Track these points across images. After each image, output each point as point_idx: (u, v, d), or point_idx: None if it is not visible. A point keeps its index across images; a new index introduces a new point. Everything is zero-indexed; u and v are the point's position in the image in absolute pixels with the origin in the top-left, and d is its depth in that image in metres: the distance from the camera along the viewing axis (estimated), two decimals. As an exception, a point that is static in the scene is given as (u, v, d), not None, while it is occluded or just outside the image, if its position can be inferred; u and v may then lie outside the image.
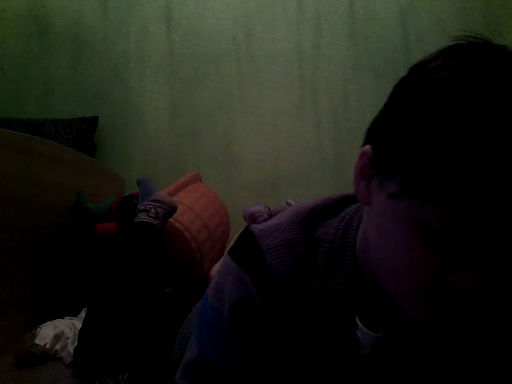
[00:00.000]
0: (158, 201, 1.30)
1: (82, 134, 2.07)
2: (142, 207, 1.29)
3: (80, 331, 1.13)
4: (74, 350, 1.13)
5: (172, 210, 1.34)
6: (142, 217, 1.25)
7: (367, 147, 0.44)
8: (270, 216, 0.56)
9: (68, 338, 1.25)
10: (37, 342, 1.21)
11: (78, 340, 1.13)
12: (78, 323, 1.33)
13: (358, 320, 0.50)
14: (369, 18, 2.09)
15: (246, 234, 0.53)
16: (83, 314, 1.40)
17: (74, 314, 1.41)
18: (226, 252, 1.55)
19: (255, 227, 0.53)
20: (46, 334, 1.24)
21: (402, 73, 0.43)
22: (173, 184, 1.73)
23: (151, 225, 1.24)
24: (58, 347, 1.22)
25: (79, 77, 2.28)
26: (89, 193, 1.72)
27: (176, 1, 2.24)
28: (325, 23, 2.13)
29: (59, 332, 1.25)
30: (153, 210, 1.26)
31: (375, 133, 0.43)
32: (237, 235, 1.47)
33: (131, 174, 2.19)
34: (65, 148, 1.73)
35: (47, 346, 1.21)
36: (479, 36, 0.39)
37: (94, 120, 2.17)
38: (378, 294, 0.48)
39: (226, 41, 2.20)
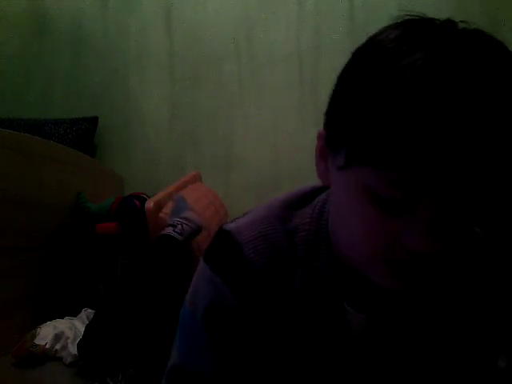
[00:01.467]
0: (186, 218, 1.36)
1: (82, 133, 2.07)
2: (171, 222, 1.36)
3: (87, 326, 1.14)
4: (78, 343, 1.14)
5: (198, 229, 1.39)
6: (168, 230, 1.31)
7: (322, 129, 0.47)
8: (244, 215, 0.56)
9: (68, 338, 1.25)
10: (37, 342, 1.21)
11: (83, 333, 1.14)
12: (78, 323, 1.33)
13: (346, 304, 0.49)
14: (369, 17, 2.09)
15: (221, 233, 0.53)
16: (83, 313, 1.40)
17: (74, 314, 1.41)
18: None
19: (230, 225, 0.53)
20: (45, 334, 1.24)
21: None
22: (173, 184, 1.73)
23: (174, 239, 1.29)
24: (57, 347, 1.22)
25: (79, 77, 2.28)
26: (89, 193, 1.72)
27: (176, 1, 2.24)
28: (325, 23, 2.13)
29: (59, 332, 1.25)
30: (179, 226, 1.32)
31: (327, 112, 0.46)
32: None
33: (131, 174, 2.19)
34: (65, 148, 1.73)
35: (47, 346, 1.21)
36: (415, 12, 0.41)
37: (94, 120, 2.17)
38: (357, 275, 0.48)
39: (226, 41, 2.20)
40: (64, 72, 2.29)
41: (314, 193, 0.55)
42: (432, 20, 0.39)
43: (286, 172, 2.14)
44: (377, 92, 0.36)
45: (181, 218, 1.35)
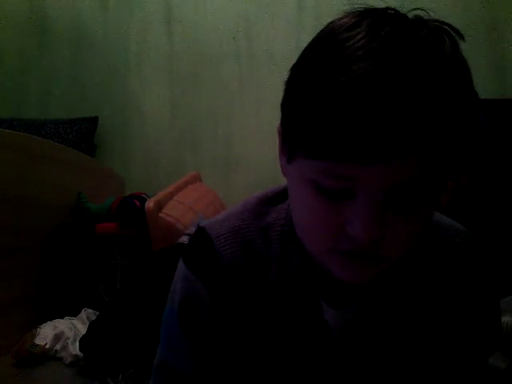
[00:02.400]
0: None
1: (82, 133, 2.07)
2: (187, 231, 1.41)
3: (92, 322, 1.15)
4: (81, 339, 1.15)
5: None
6: (183, 239, 1.36)
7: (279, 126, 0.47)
8: None
9: (68, 338, 1.25)
10: (37, 342, 1.21)
11: (87, 329, 1.15)
12: (78, 323, 1.34)
13: (321, 301, 0.49)
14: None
15: (197, 229, 0.53)
16: (83, 313, 1.40)
17: (74, 314, 1.41)
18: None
19: (206, 222, 0.53)
20: (45, 334, 1.24)
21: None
22: (173, 184, 1.73)
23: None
24: (58, 347, 1.22)
25: (79, 77, 2.28)
26: (89, 193, 1.72)
27: (176, 1, 2.24)
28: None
29: (59, 332, 1.26)
30: None
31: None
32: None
33: (131, 174, 2.19)
34: (65, 148, 1.73)
35: (47, 346, 1.21)
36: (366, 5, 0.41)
37: (94, 120, 2.17)
38: (326, 269, 0.47)
39: (226, 41, 2.20)
40: (64, 72, 2.29)
41: None
42: (374, 9, 0.39)
43: (286, 172, 2.14)
44: (308, 83, 0.37)
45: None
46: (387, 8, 0.39)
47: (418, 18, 0.39)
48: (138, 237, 1.54)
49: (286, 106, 0.42)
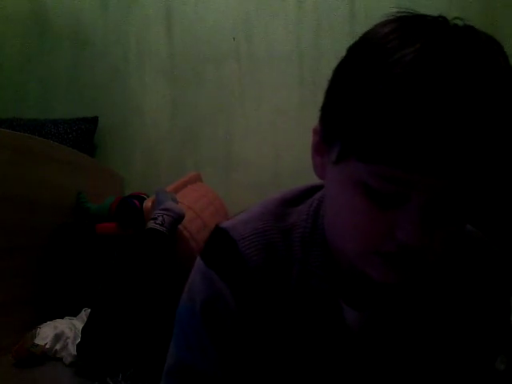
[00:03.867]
0: (165, 209, 1.39)
1: (82, 133, 2.07)
2: (152, 216, 1.38)
3: (83, 328, 1.14)
4: (77, 346, 1.14)
5: (179, 217, 1.40)
6: (150, 225, 1.33)
7: (317, 125, 0.47)
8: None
9: (68, 338, 1.25)
10: (37, 342, 1.21)
11: (81, 336, 1.14)
12: (78, 323, 1.34)
13: (341, 302, 0.50)
14: (369, 18, 2.08)
15: (217, 230, 0.53)
16: (83, 313, 1.40)
17: (74, 314, 1.41)
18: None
19: (226, 223, 0.53)
20: (45, 334, 1.24)
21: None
22: (173, 184, 1.73)
23: (157, 231, 1.31)
24: (58, 347, 1.22)
25: (79, 77, 2.28)
26: (89, 193, 1.72)
27: (176, 1, 2.24)
28: (325, 23, 2.13)
29: (59, 332, 1.26)
30: (160, 218, 1.34)
31: (322, 108, 0.46)
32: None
33: (131, 174, 2.19)
34: (65, 148, 1.73)
35: (47, 346, 1.21)
36: (407, 9, 0.42)
37: (94, 120, 2.17)
38: (352, 271, 0.48)
39: (226, 41, 2.20)
40: (64, 72, 2.29)
41: (311, 190, 0.56)
42: (424, 16, 0.40)
43: (286, 171, 2.14)
44: (368, 87, 0.36)
45: (160, 210, 1.38)
46: (439, 16, 0.39)
47: (468, 27, 0.38)
48: (137, 237, 1.54)
49: (334, 108, 0.41)
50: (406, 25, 0.38)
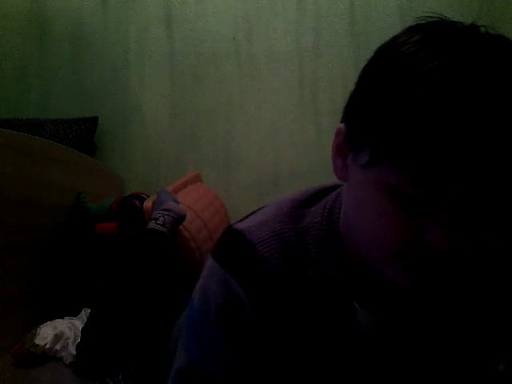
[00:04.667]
0: (166, 209, 1.38)
1: (82, 133, 2.07)
2: (153, 216, 1.37)
3: (83, 328, 1.14)
4: (77, 346, 1.14)
5: (180, 217, 1.39)
6: (151, 225, 1.32)
7: (342, 125, 0.47)
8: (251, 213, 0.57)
9: (68, 338, 1.25)
10: (37, 342, 1.21)
11: (81, 336, 1.14)
12: (78, 323, 1.33)
13: (355, 304, 0.50)
14: (369, 18, 2.08)
15: (232, 232, 0.52)
16: (83, 313, 1.40)
17: (74, 314, 1.41)
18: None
19: (240, 225, 0.53)
20: (46, 333, 1.24)
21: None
22: (173, 184, 1.73)
23: (158, 231, 1.30)
24: (58, 347, 1.22)
25: (79, 77, 2.28)
26: (89, 193, 1.72)
27: (176, 1, 2.24)
28: (325, 23, 2.13)
29: (59, 332, 1.25)
30: (161, 218, 1.33)
31: (348, 110, 0.46)
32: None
33: (131, 174, 2.19)
34: (65, 148, 1.73)
35: (47, 346, 1.21)
36: (437, 14, 0.41)
37: (94, 120, 2.17)
38: (368, 274, 0.48)
39: (226, 41, 2.20)
40: (64, 72, 2.29)
41: (324, 191, 0.56)
42: (454, 24, 0.40)
43: (286, 172, 2.14)
44: (401, 96, 0.37)
45: (161, 210, 1.37)
46: (470, 25, 0.39)
47: (499, 38, 0.39)
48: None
49: (364, 111, 0.41)
50: (434, 34, 0.39)
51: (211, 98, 2.20)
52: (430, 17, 0.41)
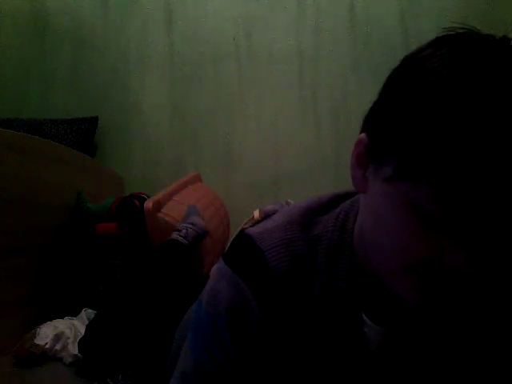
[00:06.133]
0: (191, 223, 1.43)
1: (82, 134, 2.07)
2: (177, 227, 1.42)
3: (88, 324, 1.16)
4: (79, 341, 1.15)
5: (203, 233, 1.45)
6: (174, 235, 1.37)
7: (363, 135, 0.46)
8: (264, 218, 0.56)
9: (68, 338, 1.25)
10: (37, 342, 1.21)
11: (85, 331, 1.15)
12: (78, 323, 1.34)
13: (364, 316, 0.49)
14: (369, 17, 2.08)
15: (243, 237, 0.53)
16: (83, 313, 1.40)
17: (74, 314, 1.41)
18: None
19: (252, 230, 0.53)
20: (45, 334, 1.24)
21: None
22: (173, 184, 1.73)
23: (179, 242, 1.35)
24: (58, 347, 1.22)
25: (79, 77, 2.28)
26: (89, 193, 1.72)
27: (176, 1, 2.24)
28: (325, 23, 2.13)
29: (59, 332, 1.25)
30: (184, 231, 1.39)
31: (370, 121, 0.45)
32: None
33: (131, 174, 2.19)
34: (65, 148, 1.73)
35: (47, 346, 1.21)
36: (467, 26, 0.41)
37: (94, 120, 2.17)
38: (379, 287, 0.48)
39: (226, 41, 2.20)
40: (64, 72, 2.29)
41: (336, 200, 0.55)
42: (484, 38, 0.39)
43: (286, 172, 2.14)
44: (428, 114, 0.36)
45: (186, 223, 1.43)
46: (502, 38, 0.39)
47: None
48: (137, 237, 1.54)
49: (390, 124, 0.40)
50: (460, 49, 0.38)
51: (211, 98, 2.20)
52: (459, 27, 0.41)
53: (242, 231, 0.54)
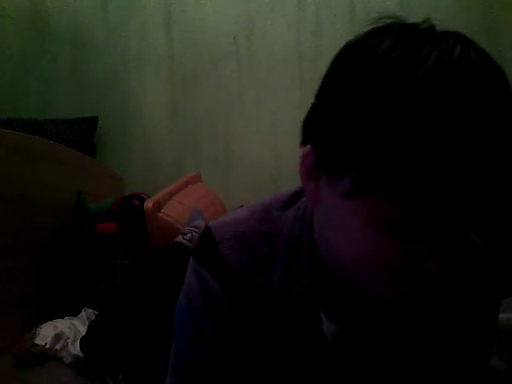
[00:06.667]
0: (196, 226, 1.45)
1: (82, 133, 2.07)
2: (182, 231, 1.44)
3: (91, 323, 1.16)
4: (81, 339, 1.15)
5: None
6: (178, 239, 1.39)
7: (308, 148, 0.45)
8: None
9: (68, 338, 1.25)
10: (37, 342, 1.21)
11: (87, 329, 1.16)
12: (78, 323, 1.34)
13: (322, 313, 0.49)
14: (369, 18, 2.08)
15: (205, 228, 0.54)
16: (83, 313, 1.40)
17: (74, 314, 1.41)
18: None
19: (212, 222, 0.54)
20: (46, 334, 1.24)
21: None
22: (173, 184, 1.73)
23: (183, 245, 1.37)
24: (58, 347, 1.22)
25: (79, 77, 2.28)
26: (89, 193, 1.72)
27: (176, 1, 2.24)
28: (325, 23, 2.13)
29: (59, 332, 1.25)
30: (189, 234, 1.40)
31: (315, 129, 0.43)
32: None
33: (131, 174, 2.19)
34: (65, 148, 1.73)
35: (47, 346, 1.21)
36: (388, 13, 0.41)
37: (94, 120, 2.17)
38: (339, 280, 0.48)
39: (226, 41, 2.20)
40: (64, 72, 2.29)
41: (297, 195, 0.55)
42: (414, 26, 0.39)
43: (286, 172, 2.13)
44: (389, 124, 0.34)
45: (191, 227, 1.44)
46: (428, 25, 0.39)
47: (458, 36, 0.37)
48: (137, 237, 1.54)
49: (342, 135, 0.37)
50: (404, 39, 0.37)
51: (211, 98, 2.20)
52: (384, 17, 0.41)
53: (206, 223, 0.56)
